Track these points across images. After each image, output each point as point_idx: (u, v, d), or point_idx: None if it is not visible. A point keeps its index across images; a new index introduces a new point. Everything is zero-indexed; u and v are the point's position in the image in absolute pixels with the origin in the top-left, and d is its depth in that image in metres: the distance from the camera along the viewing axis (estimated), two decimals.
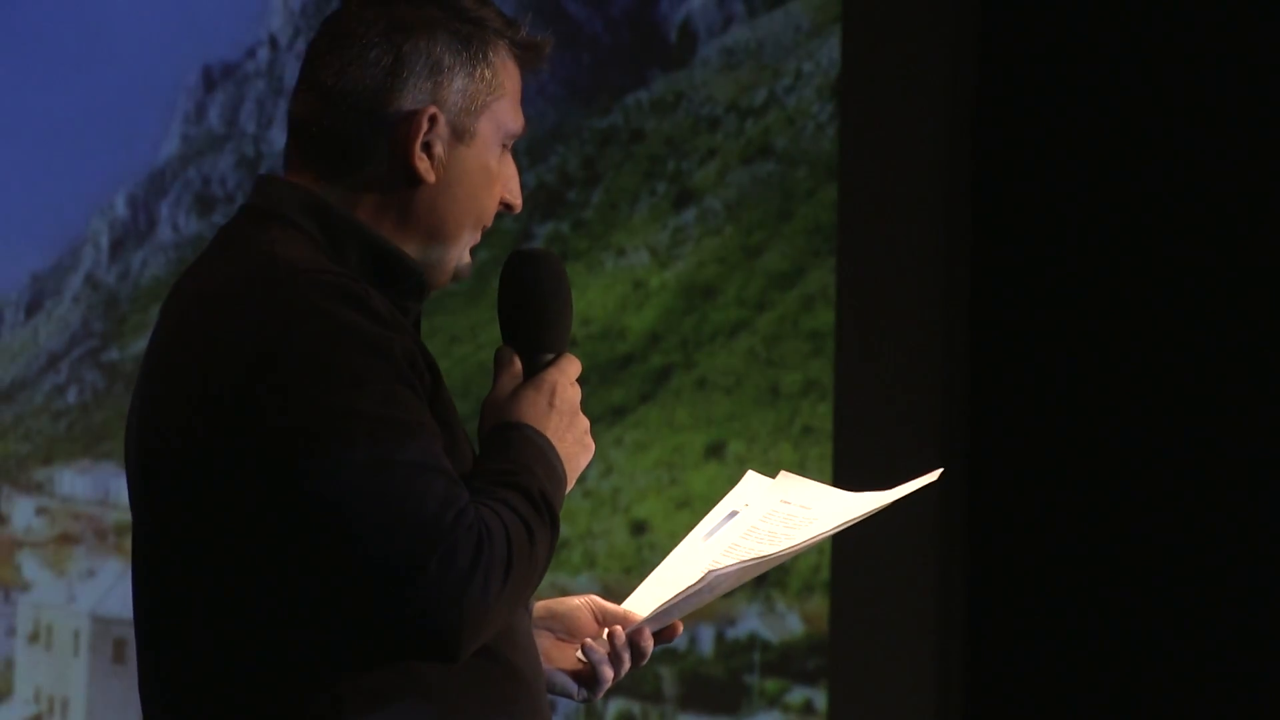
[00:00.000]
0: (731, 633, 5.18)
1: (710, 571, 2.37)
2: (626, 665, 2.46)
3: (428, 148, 2.27)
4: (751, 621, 5.15)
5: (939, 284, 4.73)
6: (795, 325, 5.17)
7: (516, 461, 2.23)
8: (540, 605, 2.48)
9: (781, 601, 5.12)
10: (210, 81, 6.27)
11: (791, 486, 2.49)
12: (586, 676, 2.46)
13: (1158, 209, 4.52)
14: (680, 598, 2.41)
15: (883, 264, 4.81)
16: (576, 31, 5.58)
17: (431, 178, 2.28)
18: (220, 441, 2.14)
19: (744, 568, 2.40)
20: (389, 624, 2.12)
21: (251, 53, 6.20)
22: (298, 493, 2.11)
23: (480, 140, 2.30)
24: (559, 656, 2.47)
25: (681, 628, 2.49)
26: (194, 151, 6.31)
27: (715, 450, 5.18)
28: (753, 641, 5.15)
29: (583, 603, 2.49)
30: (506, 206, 2.35)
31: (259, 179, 2.33)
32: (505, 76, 2.32)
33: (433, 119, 2.27)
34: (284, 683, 2.16)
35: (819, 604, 5.02)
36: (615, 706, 5.30)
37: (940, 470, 2.51)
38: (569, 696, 2.48)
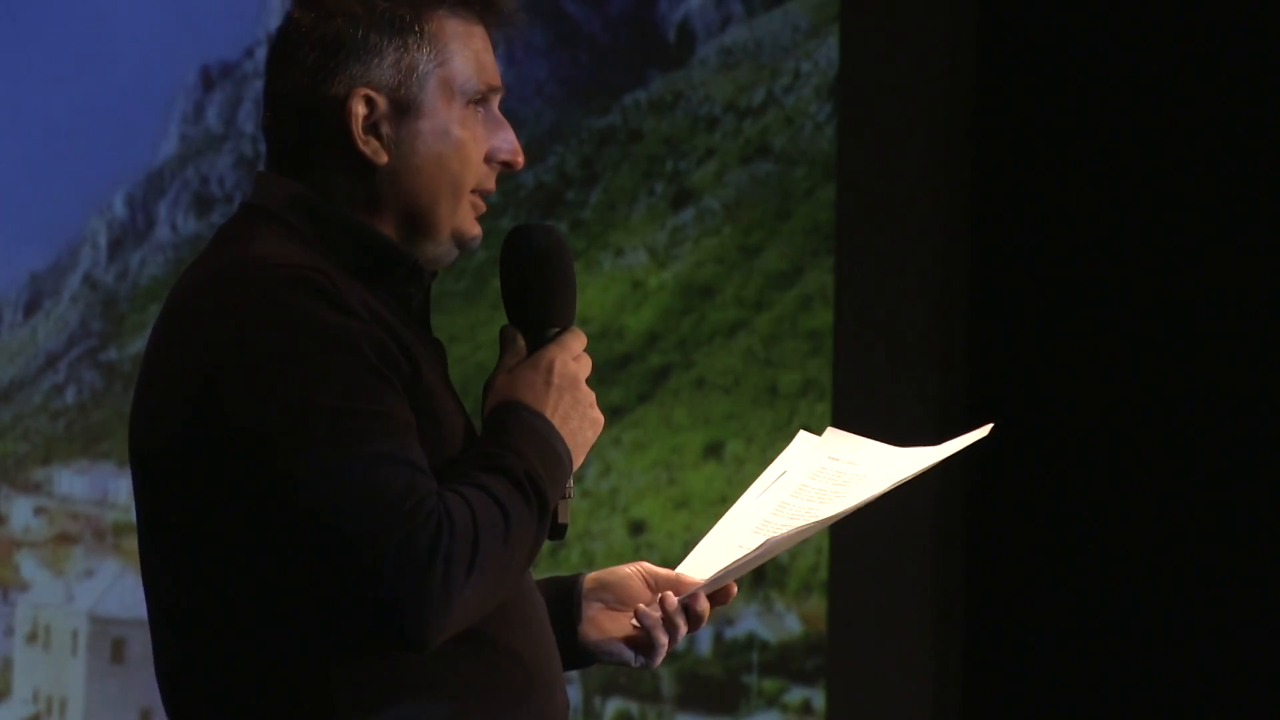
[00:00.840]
0: (730, 632, 5.17)
1: (769, 539, 2.37)
2: (683, 630, 2.45)
3: (375, 129, 2.27)
4: (750, 621, 5.15)
5: (937, 283, 4.73)
6: (794, 325, 5.17)
7: (504, 443, 2.22)
8: (591, 577, 2.48)
9: (780, 601, 5.12)
10: (208, 81, 6.26)
11: (839, 443, 2.49)
12: (642, 643, 2.45)
13: (1159, 209, 4.52)
14: (737, 564, 2.41)
15: (881, 264, 4.81)
16: (575, 31, 5.58)
17: (383, 158, 2.27)
18: (190, 438, 2.16)
19: (799, 530, 2.40)
20: (354, 617, 2.12)
21: (250, 52, 6.20)
22: (260, 489, 2.12)
23: (430, 109, 2.28)
24: (613, 626, 2.46)
25: (736, 590, 2.49)
26: (192, 151, 6.31)
27: (713, 450, 5.17)
28: (751, 641, 5.15)
29: (634, 570, 2.48)
30: (505, 165, 2.33)
31: (256, 176, 2.33)
32: (449, 40, 2.30)
33: (369, 100, 2.26)
34: (278, 678, 2.17)
35: (817, 604, 5.01)
36: (614, 706, 5.30)
37: (991, 425, 2.50)
38: (625, 664, 2.47)
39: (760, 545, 2.37)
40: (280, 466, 2.11)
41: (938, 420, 4.65)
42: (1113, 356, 4.53)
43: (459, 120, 2.29)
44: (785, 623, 5.13)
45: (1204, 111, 4.48)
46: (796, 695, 5.09)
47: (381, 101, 2.26)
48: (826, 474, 2.48)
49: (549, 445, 2.24)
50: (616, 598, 2.47)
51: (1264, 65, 4.44)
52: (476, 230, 2.33)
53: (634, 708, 5.28)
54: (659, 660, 2.47)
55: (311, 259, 2.22)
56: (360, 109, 2.26)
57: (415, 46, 2.28)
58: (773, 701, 5.11)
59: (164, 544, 2.21)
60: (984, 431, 2.49)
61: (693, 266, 5.35)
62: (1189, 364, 4.48)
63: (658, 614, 2.43)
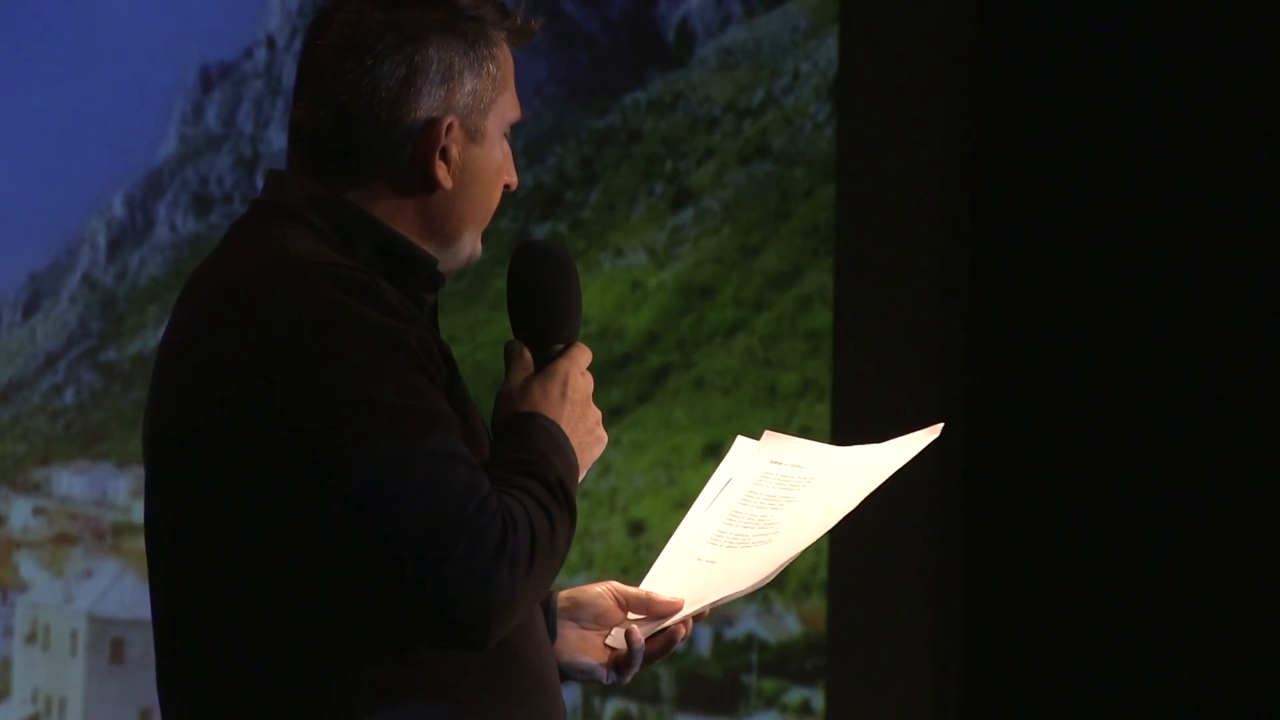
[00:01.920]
0: (729, 633, 5.17)
1: (761, 580, 2.42)
2: (670, 649, 2.52)
3: (444, 153, 2.28)
4: (749, 622, 5.15)
5: (936, 284, 4.73)
6: (793, 325, 5.17)
7: (533, 450, 2.24)
8: (563, 595, 2.51)
9: (779, 602, 5.12)
10: (208, 82, 6.27)
11: (779, 446, 2.49)
12: (618, 660, 2.50)
13: (1159, 208, 4.52)
14: (724, 600, 2.45)
15: (880, 264, 4.81)
16: (574, 32, 5.58)
17: (450, 184, 2.29)
18: (239, 435, 2.15)
19: (784, 565, 2.44)
20: (417, 614, 2.12)
21: (249, 53, 6.20)
22: (320, 485, 2.12)
23: (489, 137, 2.32)
24: (585, 646, 2.50)
25: (709, 609, 2.53)
26: (191, 151, 6.31)
27: (713, 450, 5.18)
28: (750, 642, 5.15)
29: (604, 589, 2.51)
30: (504, 186, 2.36)
31: (269, 174, 2.33)
32: (506, 68, 2.33)
33: (449, 126, 2.28)
34: (299, 679, 2.17)
35: (816, 604, 5.02)
36: (613, 707, 5.31)
37: (941, 425, 2.51)
38: (598, 682, 2.51)
39: (752, 585, 2.42)
40: (344, 462, 2.11)
41: (938, 420, 4.65)
42: (1112, 356, 4.53)
43: (501, 147, 2.34)
44: (784, 623, 5.13)
45: (1204, 111, 4.49)
46: (796, 695, 5.09)
47: (458, 127, 2.29)
48: (772, 478, 2.49)
49: (567, 455, 2.27)
50: (589, 617, 2.50)
51: (1264, 66, 4.44)
52: (480, 246, 2.36)
53: (633, 708, 5.28)
54: (629, 678, 2.51)
55: (344, 258, 2.23)
56: (443, 135, 2.27)
57: (488, 74, 2.31)
58: (772, 702, 5.11)
59: (193, 540, 2.20)
60: (935, 433, 2.50)
61: (692, 267, 5.35)
62: (1189, 364, 4.48)
63: (642, 636, 2.47)
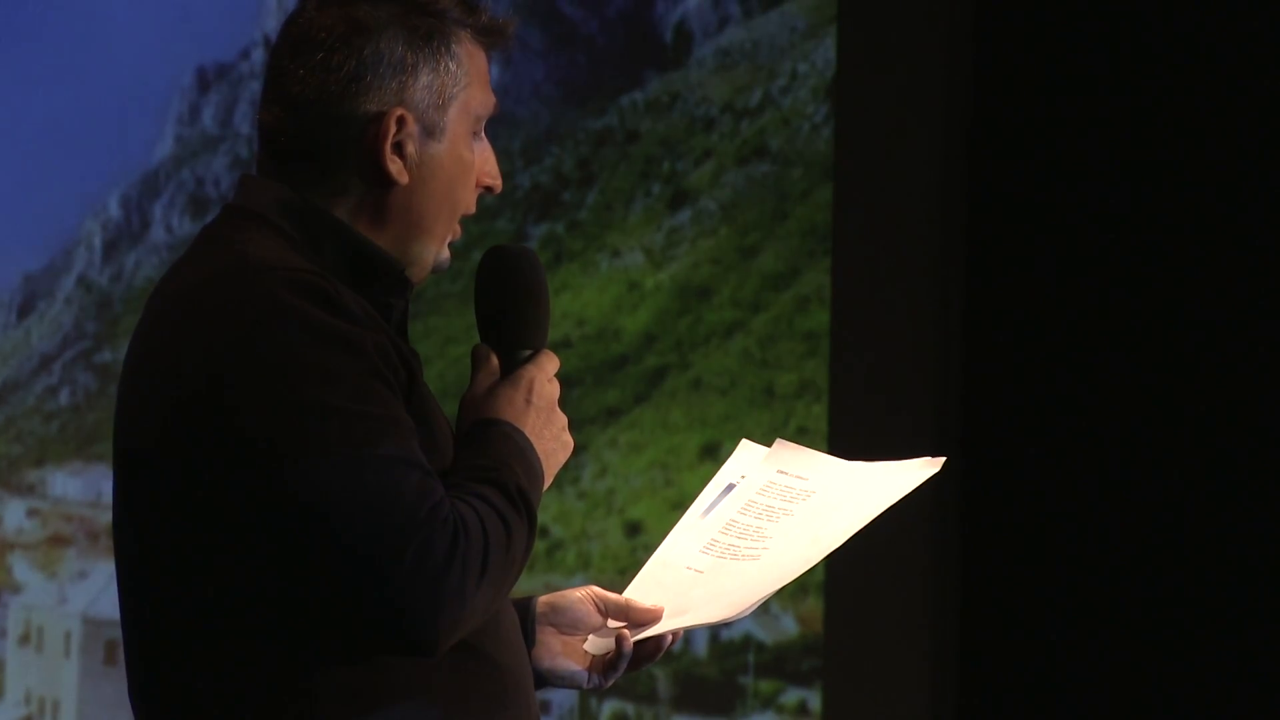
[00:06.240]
0: (726, 634, 5.17)
1: (740, 611, 2.43)
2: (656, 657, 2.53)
3: (399, 148, 2.27)
4: (746, 622, 5.14)
5: (934, 285, 4.72)
6: (790, 326, 5.17)
7: (494, 457, 2.23)
8: (542, 600, 2.50)
9: (776, 602, 5.12)
10: (204, 82, 6.26)
11: (787, 455, 2.45)
12: (602, 664, 2.49)
13: (1157, 210, 4.52)
14: (699, 626, 2.45)
15: (878, 265, 4.80)
16: (572, 32, 5.57)
17: (405, 178, 2.28)
18: (194, 439, 2.15)
19: (763, 599, 2.44)
20: (366, 619, 2.12)
21: (245, 53, 6.20)
22: (273, 489, 2.11)
23: (451, 134, 2.30)
24: (565, 651, 2.49)
25: (683, 632, 2.53)
26: (188, 152, 6.31)
27: (710, 451, 5.17)
28: (747, 642, 5.15)
29: (584, 595, 2.50)
30: (486, 189, 2.35)
31: (241, 179, 2.33)
32: (470, 65, 2.31)
33: (401, 120, 2.27)
34: (264, 684, 2.16)
35: (813, 605, 5.01)
36: (610, 707, 5.30)
37: (943, 459, 2.48)
38: (577, 687, 2.51)
39: (741, 612, 2.43)
40: (296, 466, 2.10)
41: (934, 421, 4.65)
42: (1109, 358, 4.53)
43: (467, 144, 2.31)
44: (781, 624, 5.12)
45: (1204, 113, 4.48)
46: (793, 696, 5.09)
47: (411, 121, 2.27)
48: (775, 489, 2.46)
49: (530, 463, 2.26)
50: (568, 622, 2.50)
51: (1264, 67, 4.44)
52: (448, 254, 2.35)
53: (630, 708, 5.27)
54: (611, 682, 2.51)
55: (305, 263, 2.22)
56: (393, 128, 2.26)
57: (445, 69, 2.29)
58: (769, 703, 5.11)
59: (155, 547, 2.20)
60: (935, 465, 2.46)
61: (689, 267, 5.35)
62: (1186, 366, 4.48)
63: (629, 644, 2.47)
